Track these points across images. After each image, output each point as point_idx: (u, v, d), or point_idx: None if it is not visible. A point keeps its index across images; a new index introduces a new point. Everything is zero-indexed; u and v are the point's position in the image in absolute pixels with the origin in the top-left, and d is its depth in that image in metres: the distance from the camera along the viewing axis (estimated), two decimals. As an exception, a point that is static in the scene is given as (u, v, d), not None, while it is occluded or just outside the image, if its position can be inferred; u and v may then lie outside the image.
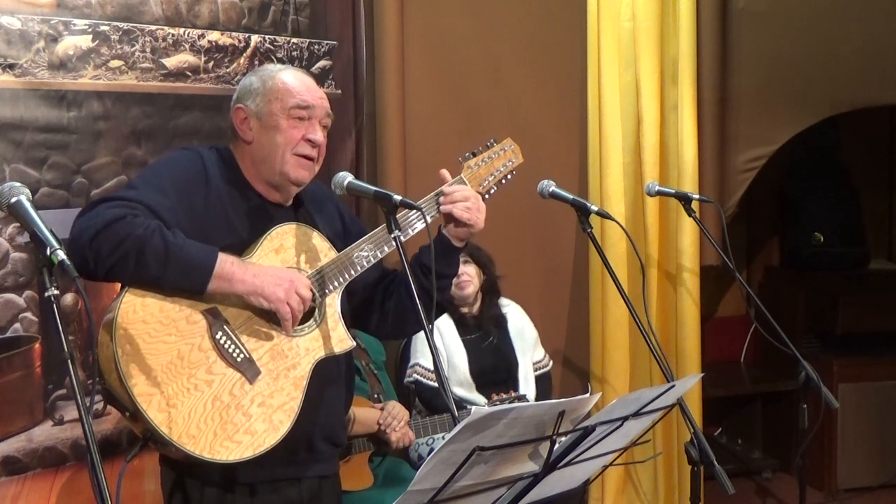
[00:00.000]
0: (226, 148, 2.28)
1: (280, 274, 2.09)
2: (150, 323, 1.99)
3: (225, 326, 2.07)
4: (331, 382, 2.25)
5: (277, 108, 2.18)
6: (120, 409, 2.01)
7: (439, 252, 2.25)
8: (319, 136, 2.21)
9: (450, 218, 2.28)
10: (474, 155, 2.41)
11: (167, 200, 2.06)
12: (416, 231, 2.28)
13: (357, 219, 2.51)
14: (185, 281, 2.01)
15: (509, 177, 2.49)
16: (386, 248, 2.24)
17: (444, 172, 2.33)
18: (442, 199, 2.27)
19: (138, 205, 2.01)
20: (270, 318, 2.12)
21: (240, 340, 2.08)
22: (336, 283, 2.20)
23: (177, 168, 2.16)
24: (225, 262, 2.03)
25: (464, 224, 2.27)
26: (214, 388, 2.02)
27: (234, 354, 2.06)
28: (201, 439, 1.98)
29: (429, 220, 2.24)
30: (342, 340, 2.20)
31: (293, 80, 2.22)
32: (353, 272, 2.21)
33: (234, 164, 2.24)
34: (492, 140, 2.47)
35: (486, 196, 2.40)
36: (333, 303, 2.21)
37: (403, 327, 2.47)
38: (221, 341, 2.05)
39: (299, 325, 2.14)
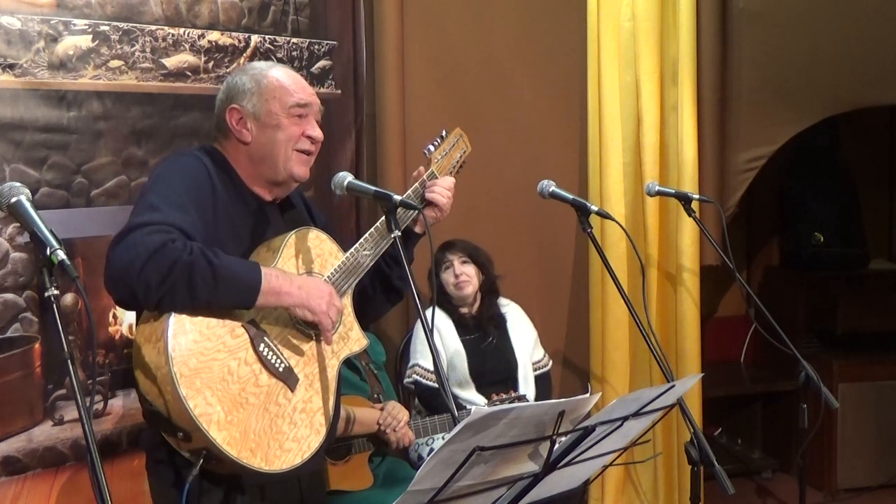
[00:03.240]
0: (213, 148, 2.26)
1: (320, 286, 2.13)
2: (199, 341, 1.99)
3: (265, 338, 2.09)
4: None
5: (277, 108, 2.20)
6: (169, 430, 1.99)
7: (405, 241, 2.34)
8: (318, 131, 2.25)
9: (430, 203, 2.40)
10: (434, 147, 2.49)
11: (189, 217, 2.05)
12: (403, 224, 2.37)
13: (320, 210, 2.54)
14: (235, 300, 2.02)
15: (463, 166, 2.60)
16: (381, 249, 2.30)
17: (421, 169, 2.45)
18: (432, 187, 2.41)
19: (171, 227, 1.98)
20: (301, 326, 2.15)
21: (279, 350, 2.11)
22: (348, 285, 2.25)
23: (189, 180, 2.13)
24: (270, 277, 2.05)
25: (438, 210, 2.40)
26: (262, 400, 2.05)
27: (277, 365, 2.09)
28: (258, 453, 2.00)
29: (428, 219, 2.34)
30: (359, 339, 2.28)
31: (287, 78, 2.25)
32: (360, 272, 2.27)
33: (228, 166, 2.24)
34: (444, 132, 2.55)
35: None
36: (347, 303, 2.27)
37: (365, 312, 2.46)
38: (264, 353, 2.07)
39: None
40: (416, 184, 2.41)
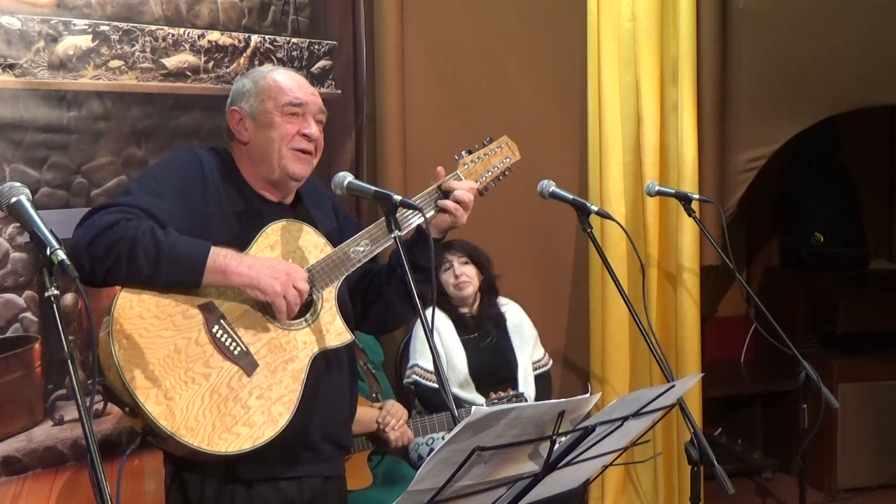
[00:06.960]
0: (224, 149, 2.30)
1: (276, 266, 2.10)
2: (146, 318, 2.01)
3: (221, 320, 2.09)
4: (331, 381, 2.26)
5: (271, 106, 2.22)
6: (120, 405, 2.02)
7: (417, 243, 2.30)
8: (314, 129, 2.24)
9: (442, 210, 2.30)
10: (470, 152, 2.43)
11: (164, 203, 2.09)
12: (412, 227, 2.30)
13: (351, 216, 2.52)
14: (178, 277, 2.03)
15: (507, 173, 2.49)
16: (381, 246, 2.25)
17: (440, 169, 2.36)
18: (447, 189, 2.29)
19: (133, 209, 2.04)
20: (267, 311, 2.13)
21: (236, 334, 2.09)
22: (333, 278, 2.22)
23: (173, 171, 2.18)
24: (218, 255, 2.05)
25: (452, 218, 2.31)
26: (212, 381, 2.04)
27: (231, 348, 2.08)
28: (199, 431, 1.99)
29: (428, 218, 2.26)
30: (340, 334, 2.21)
31: (285, 78, 2.26)
32: (349, 266, 2.23)
33: (233, 165, 2.26)
34: (488, 138, 2.48)
35: (483, 192, 2.43)
36: (331, 297, 2.22)
37: (387, 322, 2.49)
38: (218, 335, 2.07)
39: (296, 318, 2.15)
40: (434, 185, 2.32)
